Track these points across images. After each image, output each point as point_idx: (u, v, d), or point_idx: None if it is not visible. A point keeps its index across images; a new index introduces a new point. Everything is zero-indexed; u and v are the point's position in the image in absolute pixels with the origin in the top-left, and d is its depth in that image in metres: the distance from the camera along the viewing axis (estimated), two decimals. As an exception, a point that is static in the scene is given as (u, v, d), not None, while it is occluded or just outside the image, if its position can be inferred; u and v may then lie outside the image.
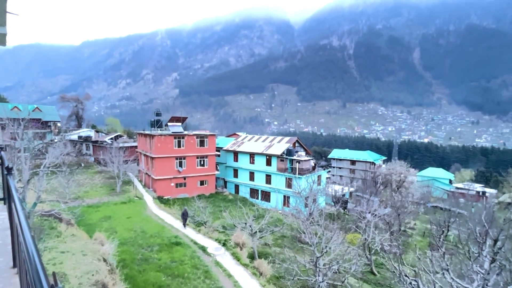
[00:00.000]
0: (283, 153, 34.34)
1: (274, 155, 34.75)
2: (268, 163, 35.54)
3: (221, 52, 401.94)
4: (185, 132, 33.76)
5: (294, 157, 33.53)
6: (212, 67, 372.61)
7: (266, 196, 35.80)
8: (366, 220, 21.34)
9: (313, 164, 36.91)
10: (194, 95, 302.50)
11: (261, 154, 35.86)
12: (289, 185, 33.41)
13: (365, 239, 20.45)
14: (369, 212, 22.68)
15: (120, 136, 47.73)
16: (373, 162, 59.72)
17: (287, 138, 38.64)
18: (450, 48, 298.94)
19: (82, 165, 37.59)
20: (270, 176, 35.35)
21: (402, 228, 30.21)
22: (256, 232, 19.08)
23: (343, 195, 38.47)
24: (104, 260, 11.07)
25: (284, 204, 33.80)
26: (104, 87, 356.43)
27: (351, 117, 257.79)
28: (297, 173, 32.51)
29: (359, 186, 49.39)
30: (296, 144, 37.72)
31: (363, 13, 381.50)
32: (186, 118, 38.50)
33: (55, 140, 33.69)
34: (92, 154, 43.43)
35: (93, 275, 9.08)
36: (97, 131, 51.18)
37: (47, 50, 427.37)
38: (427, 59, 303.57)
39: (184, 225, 20.69)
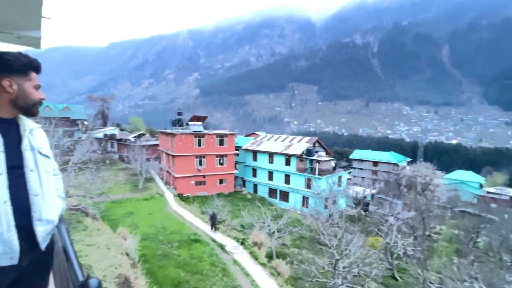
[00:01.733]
0: (303, 153, 33.97)
1: (294, 155, 34.46)
2: (287, 163, 35.31)
3: (241, 51, 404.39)
4: (205, 131, 34.29)
5: (314, 157, 33.07)
6: (233, 67, 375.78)
7: (284, 196, 35.59)
8: (388, 223, 20.65)
9: (334, 165, 36.22)
10: (215, 94, 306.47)
11: (280, 153, 35.69)
12: (308, 185, 33.00)
13: (387, 242, 19.78)
14: (391, 215, 21.92)
15: (143, 134, 49.26)
16: (396, 164, 57.66)
17: (307, 138, 38.19)
18: (482, 44, 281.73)
19: (107, 162, 39.17)
20: (289, 176, 35.11)
21: (427, 233, 28.92)
22: (274, 232, 19.02)
23: (365, 197, 37.44)
24: (127, 254, 11.46)
25: (303, 205, 33.44)
26: (128, 87, 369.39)
27: (374, 117, 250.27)
28: (316, 173, 32.04)
29: (381, 188, 47.87)
30: (316, 144, 37.18)
31: (388, 10, 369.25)
32: (207, 117, 39.08)
33: (83, 138, 35.37)
34: (116, 152, 45.17)
35: (116, 268, 9.43)
36: (121, 130, 53.16)
37: (76, 52, 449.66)
38: (457, 56, 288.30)
39: (213, 228, 19.77)
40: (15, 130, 1.37)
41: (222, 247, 17.48)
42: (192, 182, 32.37)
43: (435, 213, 31.64)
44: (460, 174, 64.58)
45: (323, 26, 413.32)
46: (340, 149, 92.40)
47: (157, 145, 40.86)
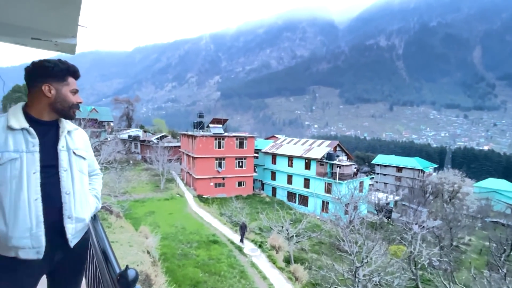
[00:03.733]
0: (323, 157, 33.45)
1: (314, 159, 34.01)
2: (307, 166, 34.88)
3: (262, 54, 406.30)
4: (225, 134, 34.68)
5: (335, 162, 32.45)
6: (253, 70, 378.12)
7: (304, 200, 35.16)
8: (412, 232, 19.79)
9: (355, 170, 35.35)
10: (235, 97, 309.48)
11: (300, 157, 35.34)
12: (328, 190, 32.40)
13: (411, 252, 18.96)
14: (416, 224, 21.00)
15: (165, 136, 50.62)
16: (422, 170, 55.27)
17: (327, 142, 37.58)
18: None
19: (131, 162, 40.61)
20: (308, 180, 34.66)
21: (454, 243, 27.41)
22: (292, 236, 18.83)
23: (387, 203, 36.18)
24: (148, 252, 11.79)
25: (322, 210, 32.86)
26: (152, 90, 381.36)
27: (399, 121, 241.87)
28: (337, 178, 31.40)
29: (405, 195, 46.01)
30: (337, 148, 36.48)
31: (415, 10, 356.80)
32: (227, 120, 39.54)
33: (108, 139, 36.89)
34: (140, 153, 46.73)
35: (138, 265, 9.72)
36: (144, 131, 54.94)
37: (103, 56, 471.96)
38: (490, 57, 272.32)
39: (242, 240, 18.41)
40: (54, 131, 1.46)
41: (240, 249, 17.53)
42: (212, 184, 32.80)
43: (463, 223, 29.95)
44: (493, 183, 60.69)
45: (346, 28, 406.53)
46: (362, 154, 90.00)
47: (179, 146, 41.83)
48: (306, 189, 34.82)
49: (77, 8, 3.33)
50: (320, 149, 35.32)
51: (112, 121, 56.16)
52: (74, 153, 1.47)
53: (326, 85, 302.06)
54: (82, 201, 1.47)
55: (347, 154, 36.90)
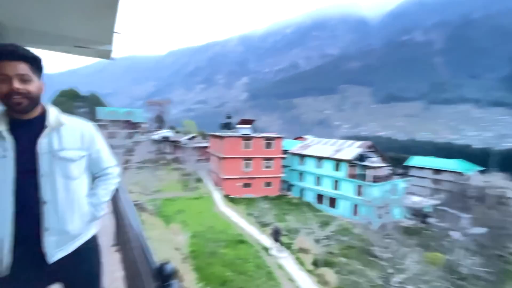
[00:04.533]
0: (354, 158, 32.33)
1: (344, 160, 33.00)
2: (337, 168, 33.94)
3: (290, 54, 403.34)
4: (253, 134, 34.83)
5: (366, 163, 31.22)
6: (281, 70, 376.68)
7: (333, 202, 34.23)
8: (452, 239, 18.42)
9: (389, 172, 33.75)
10: (263, 98, 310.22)
11: (329, 158, 34.48)
12: (359, 192, 31.25)
13: (450, 260, 17.65)
14: (456, 230, 19.52)
15: (195, 137, 52.03)
16: (463, 173, 51.32)
17: (358, 143, 36.28)
18: None
19: (162, 162, 42.24)
20: (338, 181, 33.70)
21: (501, 253, 25.07)
22: (321, 239, 18.39)
23: (424, 208, 34.07)
24: (178, 250, 12.16)
25: (353, 213, 31.76)
26: (182, 92, 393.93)
27: (436, 121, 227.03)
28: (369, 180, 30.19)
29: (444, 199, 43.01)
30: (369, 149, 35.06)
31: (455, 2, 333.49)
32: (254, 120, 39.71)
33: (142, 140, 38.66)
34: (170, 153, 48.48)
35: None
36: (176, 132, 56.90)
37: (138, 61, 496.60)
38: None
39: (277, 243, 17.46)
40: (38, 130, 1.25)
41: (267, 250, 17.48)
42: (239, 184, 33.09)
43: (510, 231, 27.30)
44: (547, 188, 54.70)
45: (378, 25, 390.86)
46: (397, 155, 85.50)
47: (207, 147, 42.75)
48: (335, 191, 33.89)
49: (113, 18, 3.53)
50: (350, 150, 34.19)
51: (145, 123, 58.83)
52: (58, 155, 1.26)
53: (357, 84, 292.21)
54: (66, 210, 1.27)
55: (380, 155, 35.31)
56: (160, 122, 64.53)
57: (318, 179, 35.87)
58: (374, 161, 32.21)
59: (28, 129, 1.24)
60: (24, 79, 1.18)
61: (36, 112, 1.27)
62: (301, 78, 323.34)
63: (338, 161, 33.71)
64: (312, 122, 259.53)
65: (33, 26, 4.26)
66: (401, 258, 13.11)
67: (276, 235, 17.39)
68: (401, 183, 34.96)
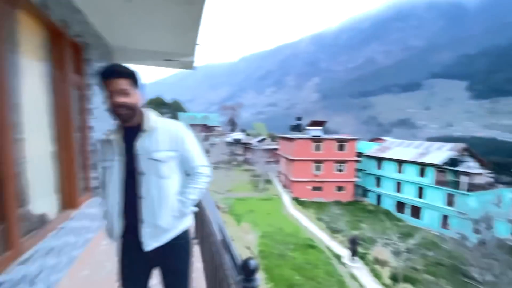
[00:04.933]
0: (444, 162, 28.14)
1: (431, 165, 29.03)
2: (422, 173, 30.08)
3: (367, 50, 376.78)
4: (324, 136, 33.72)
5: (460, 169, 26.82)
6: (356, 68, 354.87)
7: (416, 211, 30.42)
8: None
9: (490, 179, 28.28)
10: (335, 98, 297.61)
11: (413, 162, 30.79)
12: (450, 202, 27.04)
13: None
14: None
15: (265, 139, 53.24)
16: None
17: (450, 145, 31.43)
18: None
19: (234, 163, 44.51)
20: (423, 188, 29.82)
21: None
22: (401, 251, 16.59)
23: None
24: (248, 248, 12.64)
25: (442, 225, 27.63)
26: (254, 96, 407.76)
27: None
28: (463, 188, 25.86)
29: None
30: (464, 152, 29.99)
31: None
32: (326, 121, 38.41)
33: (216, 142, 41.50)
34: (242, 154, 50.73)
35: (238, 258, 10.57)
36: (247, 135, 59.30)
37: (213, 68, 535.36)
38: None
39: (353, 255, 16.78)
40: (138, 134, 1.46)
41: (338, 257, 16.67)
42: (309, 187, 32.43)
43: None
44: None
45: (477, 7, 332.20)
46: (502, 160, 70.99)
47: (277, 149, 43.23)
48: (419, 199, 30.05)
49: (196, 32, 3.96)
50: (439, 153, 29.87)
51: (219, 126, 63.04)
52: (150, 156, 1.43)
53: (448, 77, 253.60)
54: (157, 206, 1.43)
55: (478, 160, 29.83)
56: (232, 125, 68.25)
57: (399, 185, 32.40)
58: (471, 166, 27.41)
59: (132, 135, 1.44)
60: (124, 93, 1.38)
61: (138, 119, 1.46)
62: (379, 74, 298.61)
63: (424, 166, 29.82)
64: (392, 122, 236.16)
65: (132, 45, 5.08)
66: (509, 283, 10.76)
67: (353, 244, 16.45)
68: (508, 194, 28.78)
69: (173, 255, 1.53)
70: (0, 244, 1.87)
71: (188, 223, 1.60)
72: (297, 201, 30.32)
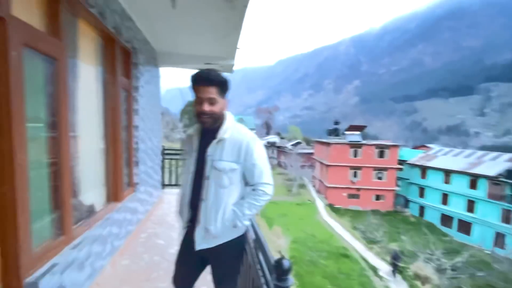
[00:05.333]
0: (500, 174, 25.39)
1: (484, 176, 26.37)
2: (473, 185, 27.44)
3: (413, 52, 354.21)
4: (363, 142, 32.35)
5: (520, 183, 23.98)
6: (400, 70, 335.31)
7: (465, 226, 27.76)
8: None
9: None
10: (376, 102, 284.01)
11: (463, 172, 28.23)
12: (506, 218, 24.29)
13: None
14: None
15: (299, 143, 52.53)
16: None
17: (508, 155, 28.30)
18: None
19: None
20: (474, 202, 27.17)
21: None
22: (446, 269, 15.27)
23: None
24: (279, 252, 12.54)
25: (495, 244, 24.88)
26: (289, 99, 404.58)
27: None
28: (523, 205, 23.07)
29: None
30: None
31: None
32: (365, 126, 36.86)
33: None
34: (276, 158, 50.57)
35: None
36: (281, 138, 59.01)
37: (250, 72, 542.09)
38: None
39: (394, 271, 15.69)
40: (213, 139, 1.52)
41: (374, 269, 15.83)
42: (344, 194, 31.29)
43: None
44: None
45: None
46: None
47: (312, 153, 42.38)
48: (469, 214, 27.41)
49: (237, 36, 4.08)
50: (495, 164, 27.03)
51: (255, 129, 63.54)
52: (214, 164, 1.48)
53: (508, 80, 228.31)
54: (210, 212, 1.48)
55: (543, 174, 26.39)
56: (267, 128, 68.43)
57: (445, 196, 29.88)
58: (534, 181, 24.34)
59: (208, 137, 1.52)
60: (211, 102, 1.45)
61: (219, 124, 1.53)
62: (425, 77, 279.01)
63: (475, 177, 27.17)
64: (439, 129, 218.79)
65: (175, 50, 5.37)
66: None
67: (395, 259, 15.30)
68: None
69: (222, 258, 1.59)
70: (56, 229, 2.08)
71: (241, 232, 1.62)
72: (332, 208, 29.42)
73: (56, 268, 1.85)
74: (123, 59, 3.71)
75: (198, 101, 1.45)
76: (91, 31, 2.82)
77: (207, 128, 1.52)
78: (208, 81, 1.44)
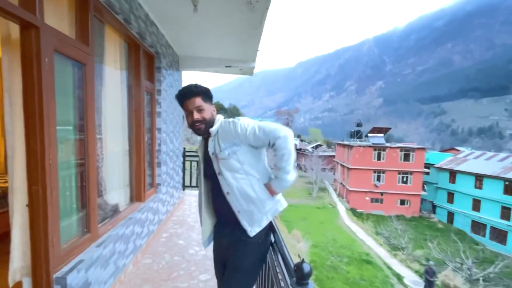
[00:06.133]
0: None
1: (520, 182, 24.63)
2: (508, 190, 25.70)
3: (441, 51, 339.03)
4: (387, 144, 31.30)
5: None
6: (427, 70, 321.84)
7: (499, 235, 25.96)
8: None
9: None
10: (400, 103, 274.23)
11: (496, 177, 26.52)
12: (546, 229, 22.49)
13: None
14: None
15: (320, 145, 51.78)
16: None
17: (547, 160, 26.29)
18: None
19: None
20: (509, 209, 25.40)
21: None
22: (478, 279, 14.38)
23: None
24: (299, 257, 12.36)
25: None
26: (310, 101, 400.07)
27: None
28: None
29: None
30: None
31: None
32: (389, 129, 35.66)
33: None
34: (296, 160, 50.12)
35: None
36: (301, 140, 58.43)
37: (270, 74, 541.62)
38: None
39: None
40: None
41: (399, 277, 15.20)
42: (367, 198, 30.36)
43: None
44: None
45: None
46: None
47: (333, 156, 41.60)
48: (505, 221, 25.64)
49: (258, 38, 4.09)
50: (532, 170, 25.15)
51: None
52: (218, 156, 1.56)
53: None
54: (242, 195, 1.53)
55: None
56: (287, 130, 68.12)
57: (477, 202, 28.16)
58: None
59: (210, 140, 1.61)
60: (199, 109, 1.57)
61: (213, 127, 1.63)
62: (455, 77, 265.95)
63: (511, 182, 25.42)
64: (470, 131, 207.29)
65: (197, 54, 5.47)
66: None
67: (430, 276, 13.72)
68: None
69: (240, 251, 1.56)
70: (82, 227, 2.17)
71: (266, 222, 1.59)
72: (354, 212, 28.65)
73: (82, 264, 1.92)
74: (147, 63, 3.83)
75: (188, 113, 1.58)
76: (117, 37, 2.94)
77: (207, 137, 1.63)
78: (191, 93, 1.57)
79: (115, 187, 2.93)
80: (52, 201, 1.70)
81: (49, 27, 1.67)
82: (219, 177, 1.55)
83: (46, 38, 1.63)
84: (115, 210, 2.87)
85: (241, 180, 1.52)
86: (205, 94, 1.60)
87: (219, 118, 1.66)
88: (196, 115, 1.56)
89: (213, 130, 1.59)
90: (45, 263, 1.67)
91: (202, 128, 1.58)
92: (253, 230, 1.53)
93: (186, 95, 1.58)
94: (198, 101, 1.57)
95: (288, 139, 1.50)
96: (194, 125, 1.58)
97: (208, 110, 1.60)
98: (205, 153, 1.64)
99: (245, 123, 1.56)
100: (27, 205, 1.65)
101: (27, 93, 1.58)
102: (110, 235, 2.45)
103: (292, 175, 1.53)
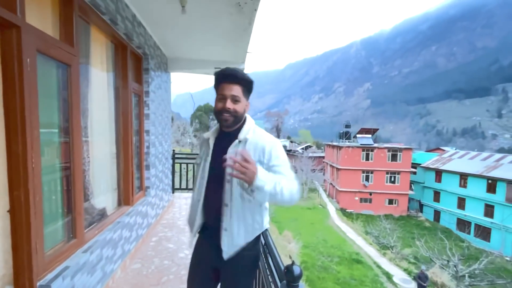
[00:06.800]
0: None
1: (502, 180, 25.45)
2: (491, 189, 26.51)
3: (425, 53, 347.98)
4: (375, 145, 31.84)
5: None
6: (413, 72, 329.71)
7: (483, 232, 26.74)
8: None
9: None
10: (388, 104, 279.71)
11: (480, 176, 27.34)
12: (528, 225, 23.31)
13: None
14: None
15: (310, 146, 52.22)
16: None
17: (527, 158, 27.28)
18: None
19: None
20: (492, 207, 26.21)
21: None
22: (464, 276, 14.75)
23: None
24: (290, 257, 12.39)
25: (516, 251, 23.87)
26: (300, 103, 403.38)
27: None
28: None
29: None
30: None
31: None
32: (377, 129, 36.25)
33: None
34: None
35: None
36: (291, 142, 58.79)
37: (260, 76, 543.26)
38: None
39: None
40: (230, 142, 1.42)
41: (388, 276, 15.43)
42: (357, 198, 30.77)
43: None
44: None
45: None
46: None
47: (323, 157, 41.99)
48: (488, 218, 26.44)
49: (247, 40, 4.09)
50: (513, 168, 26.05)
51: (264, 133, 63.64)
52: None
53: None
54: (239, 216, 1.39)
55: None
56: (277, 132, 68.52)
57: (462, 201, 28.96)
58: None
59: (226, 140, 1.42)
60: (235, 100, 1.38)
61: (238, 126, 1.45)
62: (439, 79, 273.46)
63: (494, 181, 26.25)
64: (454, 131, 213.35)
65: (186, 55, 5.42)
66: None
67: (422, 280, 13.82)
68: None
69: (238, 265, 1.45)
70: (68, 233, 2.10)
71: (259, 232, 1.50)
72: (344, 212, 28.97)
73: (68, 271, 1.86)
74: (134, 65, 3.77)
75: (221, 98, 1.38)
76: (103, 37, 2.88)
77: (224, 131, 1.46)
78: (234, 78, 1.38)
79: (102, 191, 2.86)
80: (35, 206, 1.64)
81: (31, 26, 1.62)
82: (226, 185, 1.38)
83: (27, 39, 1.58)
84: (102, 214, 2.80)
85: (246, 202, 1.38)
86: (247, 86, 1.43)
87: (250, 120, 1.49)
88: (229, 104, 1.37)
89: (244, 132, 1.42)
90: (28, 271, 1.61)
91: (229, 121, 1.39)
92: (227, 254, 1.39)
93: (228, 77, 1.38)
94: (238, 90, 1.38)
95: (295, 190, 1.38)
96: (221, 114, 1.38)
97: (243, 104, 1.42)
98: (218, 148, 1.44)
99: (282, 152, 1.43)
100: (8, 211, 1.59)
101: (8, 94, 1.52)
102: (97, 240, 2.39)
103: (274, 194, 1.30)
